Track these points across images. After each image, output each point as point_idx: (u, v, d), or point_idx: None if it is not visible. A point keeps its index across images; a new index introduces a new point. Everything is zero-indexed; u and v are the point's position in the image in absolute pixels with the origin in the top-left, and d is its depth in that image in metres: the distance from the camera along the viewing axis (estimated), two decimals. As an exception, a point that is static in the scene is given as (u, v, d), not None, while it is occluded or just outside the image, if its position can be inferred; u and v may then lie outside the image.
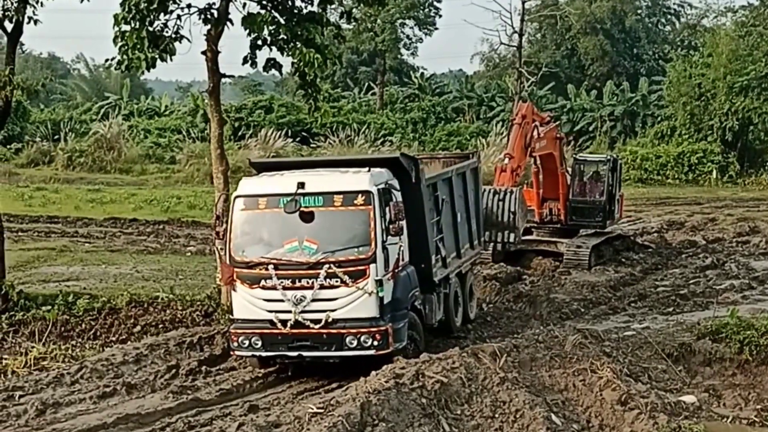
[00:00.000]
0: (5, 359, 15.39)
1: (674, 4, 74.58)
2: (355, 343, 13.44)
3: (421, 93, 64.44)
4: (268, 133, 49.80)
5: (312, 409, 11.22)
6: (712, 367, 14.48)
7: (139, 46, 16.29)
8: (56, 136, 52.14)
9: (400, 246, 14.01)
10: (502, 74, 66.03)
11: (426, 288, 15.17)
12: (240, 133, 52.49)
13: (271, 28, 17.02)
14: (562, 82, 65.82)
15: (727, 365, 14.39)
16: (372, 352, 13.41)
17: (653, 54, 70.38)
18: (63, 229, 30.22)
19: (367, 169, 14.01)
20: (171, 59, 16.92)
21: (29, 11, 17.67)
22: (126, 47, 16.37)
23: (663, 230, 30.75)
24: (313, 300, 13.40)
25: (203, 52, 17.27)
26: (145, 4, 16.05)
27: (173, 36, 16.83)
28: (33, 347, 15.85)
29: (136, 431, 12.10)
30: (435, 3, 68.45)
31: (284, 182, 13.91)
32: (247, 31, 17.04)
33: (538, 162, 25.05)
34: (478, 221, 18.78)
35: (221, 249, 14.16)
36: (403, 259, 14.17)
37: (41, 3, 17.62)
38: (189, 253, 26.13)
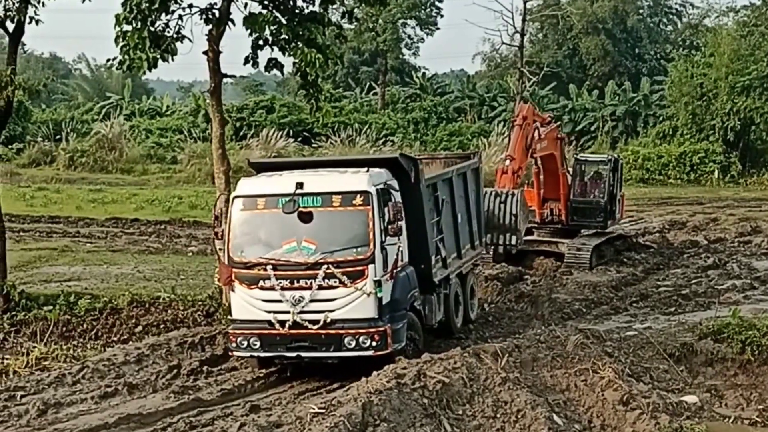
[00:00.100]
0: (7, 359, 15.40)
1: (676, 3, 74.69)
2: (353, 343, 13.41)
3: (423, 93, 64.44)
4: (270, 133, 49.80)
5: (313, 409, 11.21)
6: (714, 367, 14.46)
7: (140, 46, 16.29)
8: (58, 136, 52.18)
9: (399, 246, 13.99)
10: (504, 74, 66.04)
11: (426, 288, 15.14)
12: (241, 133, 52.50)
13: (272, 28, 17.02)
14: (563, 82, 65.82)
15: (729, 365, 14.38)
16: (370, 352, 13.39)
17: (655, 54, 70.36)
18: (64, 229, 30.23)
19: (365, 169, 13.98)
20: (172, 59, 16.93)
21: (31, 11, 17.69)
22: (127, 47, 16.37)
23: (665, 230, 30.74)
24: (312, 300, 13.38)
25: (205, 52, 17.27)
26: (147, 4, 16.05)
27: (175, 36, 16.84)
28: (34, 347, 15.86)
29: (138, 431, 12.11)
30: (436, 3, 68.52)
31: (283, 182, 13.89)
32: (249, 31, 17.04)
33: (539, 162, 25.02)
34: (479, 222, 18.72)
35: (220, 249, 14.15)
36: (402, 260, 14.15)
37: (43, 3, 17.62)
38: (190, 253, 26.15)
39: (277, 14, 17.20)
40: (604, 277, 22.61)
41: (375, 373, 12.23)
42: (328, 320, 13.40)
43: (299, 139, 53.02)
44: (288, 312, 13.44)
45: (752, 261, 24.74)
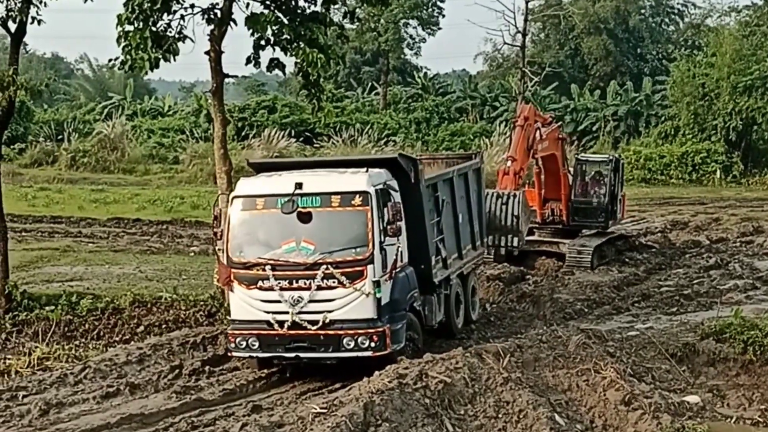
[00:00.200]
0: (9, 359, 15.41)
1: (678, 3, 74.65)
2: (352, 344, 13.39)
3: (425, 93, 64.43)
4: (272, 133, 49.79)
5: (315, 409, 11.22)
6: (716, 367, 14.45)
7: (142, 46, 16.31)
8: (60, 137, 52.18)
9: (398, 247, 13.96)
10: (506, 74, 66.02)
11: (426, 289, 15.10)
12: (243, 133, 52.49)
13: (274, 28, 17.03)
14: (565, 82, 65.80)
15: (731, 365, 14.37)
16: (369, 353, 13.36)
17: (657, 54, 70.33)
18: (66, 229, 30.25)
19: (364, 169, 13.96)
20: (174, 59, 16.96)
21: (33, 11, 17.69)
22: (129, 47, 16.39)
23: (666, 230, 30.72)
24: (311, 301, 13.36)
25: (206, 52, 17.29)
26: (149, 4, 16.08)
27: (176, 36, 16.87)
28: (36, 347, 15.87)
29: (140, 431, 12.11)
30: (438, 3, 68.42)
31: (282, 183, 13.86)
32: (251, 31, 17.06)
33: (540, 163, 25.01)
34: (481, 222, 18.67)
35: (219, 249, 14.15)
36: (401, 260, 14.12)
37: (45, 3, 17.63)
38: (192, 253, 26.16)
39: (279, 14, 17.22)
40: (605, 277, 22.60)
41: (377, 373, 12.22)
42: (327, 321, 13.38)
43: (301, 139, 53.02)
44: (287, 312, 13.43)
45: (754, 261, 24.72)
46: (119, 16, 16.29)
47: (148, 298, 18.39)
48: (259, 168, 15.49)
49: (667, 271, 23.85)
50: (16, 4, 17.56)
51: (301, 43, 17.15)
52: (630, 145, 52.50)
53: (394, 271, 13.80)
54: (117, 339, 16.80)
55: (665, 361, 14.53)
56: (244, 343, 13.78)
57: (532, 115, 23.01)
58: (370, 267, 13.30)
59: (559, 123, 28.95)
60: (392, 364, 12.59)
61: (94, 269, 23.11)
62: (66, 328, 17.18)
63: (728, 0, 78.17)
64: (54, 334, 16.82)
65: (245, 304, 13.76)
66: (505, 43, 56.70)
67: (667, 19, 75.26)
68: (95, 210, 34.44)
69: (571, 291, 20.94)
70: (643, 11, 72.45)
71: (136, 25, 16.28)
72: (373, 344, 13.34)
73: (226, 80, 18.02)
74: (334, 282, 13.32)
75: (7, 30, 18.17)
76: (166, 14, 16.63)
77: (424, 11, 68.02)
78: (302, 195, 13.49)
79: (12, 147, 50.11)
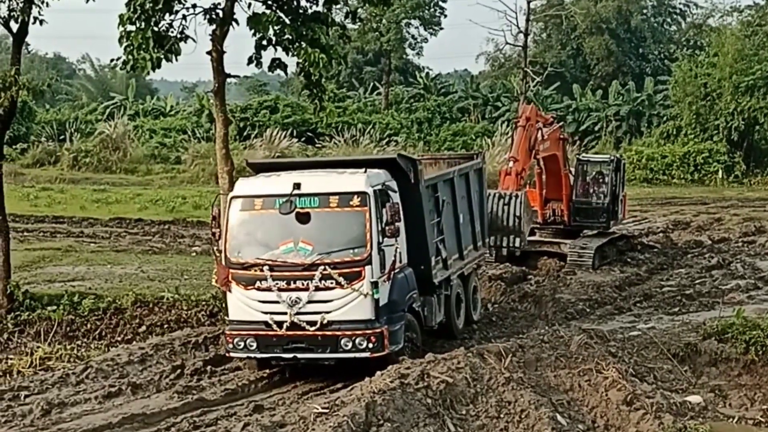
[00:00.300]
0: (11, 359, 15.42)
1: (680, 3, 74.62)
2: (350, 345, 13.35)
3: (427, 93, 64.42)
4: (274, 133, 49.81)
5: (317, 409, 11.22)
6: (718, 367, 14.44)
7: (144, 47, 16.29)
8: (62, 137, 52.22)
9: (397, 248, 13.91)
10: (508, 74, 66.01)
11: (425, 290, 15.07)
12: (245, 133, 52.48)
13: (276, 28, 17.02)
14: (567, 82, 65.77)
15: (733, 365, 14.36)
16: (367, 354, 13.33)
17: (659, 54, 70.29)
18: (68, 229, 30.26)
19: (363, 170, 13.92)
20: (176, 59, 16.93)
21: (34, 11, 17.69)
22: (131, 47, 16.38)
23: (668, 230, 30.70)
24: (309, 301, 13.33)
25: (208, 52, 17.28)
26: (151, 5, 16.06)
27: (178, 36, 16.84)
28: (38, 347, 15.88)
29: (141, 431, 12.12)
30: (440, 3, 68.48)
31: (280, 183, 13.83)
32: (253, 31, 17.05)
33: (542, 163, 25.01)
34: (483, 222, 18.61)
35: (218, 250, 14.14)
36: (400, 261, 14.09)
37: (46, 3, 17.62)
38: (194, 253, 26.16)
39: (281, 14, 17.20)
40: (607, 277, 22.61)
41: (378, 373, 12.22)
42: (325, 321, 13.35)
43: (303, 139, 53.05)
44: (285, 313, 13.40)
45: (756, 261, 24.71)
46: (121, 16, 16.28)
47: (150, 298, 18.41)
48: (258, 168, 15.48)
49: (669, 271, 23.85)
50: (18, 4, 17.57)
51: (302, 43, 17.14)
52: (632, 145, 52.49)
53: (392, 272, 13.76)
54: (119, 339, 16.82)
55: (667, 361, 14.52)
56: (242, 344, 13.76)
57: (533, 115, 23.00)
58: (368, 268, 13.26)
59: (561, 123, 28.94)
60: (394, 364, 12.59)
61: (96, 269, 23.12)
62: (68, 328, 17.20)
63: (730, 0, 78.23)
64: (56, 334, 16.84)
65: (243, 304, 13.74)
66: (507, 43, 56.74)
67: (669, 19, 75.26)
68: (97, 210, 34.45)
69: (572, 291, 20.93)
70: (645, 11, 72.41)
71: (138, 25, 16.27)
72: (371, 345, 13.30)
73: (228, 80, 18.03)
74: (332, 283, 13.28)
75: (9, 30, 18.17)
76: (168, 14, 16.61)
77: (426, 11, 68.06)
78: (300, 195, 13.47)
79: (14, 147, 50.16)
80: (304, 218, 13.46)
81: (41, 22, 17.94)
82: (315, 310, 13.36)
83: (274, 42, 17.37)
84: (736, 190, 45.61)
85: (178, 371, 14.34)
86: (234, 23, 17.24)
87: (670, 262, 25.02)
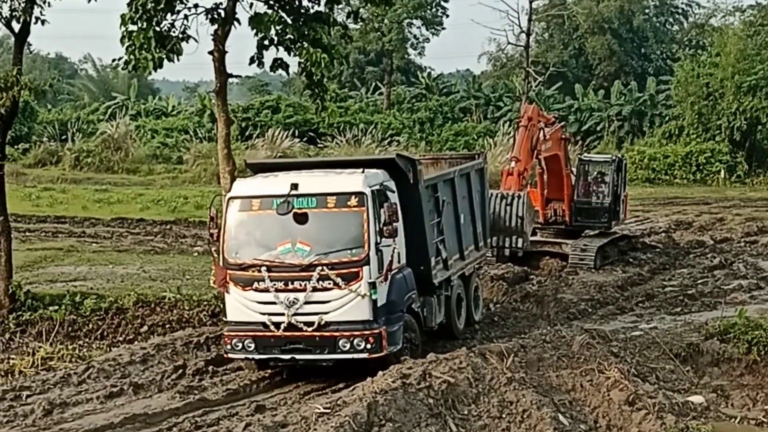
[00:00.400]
0: (13, 359, 15.44)
1: (682, 3, 74.47)
2: (348, 346, 13.31)
3: (429, 93, 64.40)
4: (275, 133, 49.79)
5: (319, 409, 11.22)
6: (720, 367, 14.44)
7: (146, 46, 16.32)
8: (63, 137, 52.25)
9: (395, 248, 13.85)
10: (510, 74, 65.97)
11: (425, 290, 15.02)
12: (247, 133, 52.51)
13: (278, 28, 17.04)
14: (569, 82, 65.74)
15: (735, 365, 14.37)
16: (365, 355, 13.30)
17: (661, 53, 70.22)
18: (70, 229, 30.27)
19: (360, 170, 13.89)
20: (178, 59, 16.97)
21: (36, 11, 17.74)
22: (133, 47, 16.40)
23: (671, 230, 30.69)
24: (306, 302, 13.30)
25: (210, 52, 17.30)
26: (152, 4, 16.08)
27: (180, 36, 16.87)
28: (40, 347, 15.89)
29: (143, 431, 12.11)
30: (442, 3, 68.41)
31: (278, 183, 13.80)
32: (254, 31, 17.06)
33: (543, 163, 24.98)
34: (484, 223, 18.55)
35: (216, 251, 14.13)
36: (398, 261, 14.04)
37: (48, 3, 17.66)
38: (196, 253, 26.15)
39: (283, 14, 17.23)
40: (609, 277, 22.59)
41: (380, 373, 12.21)
42: (323, 322, 13.32)
43: (305, 139, 53.02)
44: (282, 314, 13.38)
45: (759, 261, 24.69)
46: (123, 16, 16.30)
47: (152, 298, 18.41)
48: (257, 169, 15.44)
49: (671, 271, 23.83)
50: (20, 4, 17.60)
51: (304, 43, 17.15)
52: (634, 145, 52.46)
53: (390, 273, 13.71)
54: (121, 339, 16.84)
55: (669, 361, 14.51)
56: (240, 345, 13.73)
57: (535, 115, 22.99)
58: (365, 268, 13.23)
59: (563, 123, 28.95)
60: (394, 365, 12.58)
61: (98, 269, 23.13)
62: (70, 328, 17.22)
63: (732, 0, 78.18)
64: (58, 334, 16.85)
65: (241, 305, 13.71)
66: (509, 42, 56.67)
67: (671, 19, 75.19)
68: (99, 210, 34.46)
69: (575, 291, 20.92)
70: (647, 11, 72.35)
71: (139, 25, 16.29)
72: (369, 346, 13.27)
73: (230, 80, 18.02)
74: (329, 283, 13.25)
75: (11, 30, 18.19)
76: (169, 14, 16.64)
77: (428, 11, 68.03)
78: (298, 196, 13.43)
79: (16, 147, 50.16)
80: (301, 219, 13.43)
81: (43, 22, 17.99)
82: (313, 311, 13.33)
83: (275, 42, 17.39)
84: (738, 190, 45.56)
85: (180, 371, 14.34)
86: (236, 23, 17.26)
87: (672, 262, 25.00)
